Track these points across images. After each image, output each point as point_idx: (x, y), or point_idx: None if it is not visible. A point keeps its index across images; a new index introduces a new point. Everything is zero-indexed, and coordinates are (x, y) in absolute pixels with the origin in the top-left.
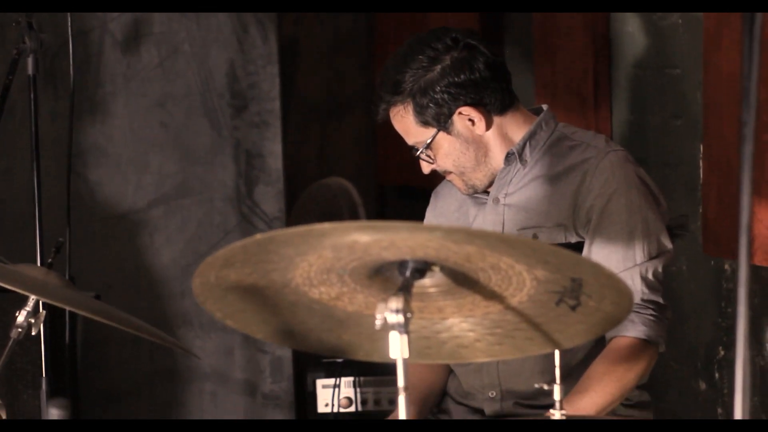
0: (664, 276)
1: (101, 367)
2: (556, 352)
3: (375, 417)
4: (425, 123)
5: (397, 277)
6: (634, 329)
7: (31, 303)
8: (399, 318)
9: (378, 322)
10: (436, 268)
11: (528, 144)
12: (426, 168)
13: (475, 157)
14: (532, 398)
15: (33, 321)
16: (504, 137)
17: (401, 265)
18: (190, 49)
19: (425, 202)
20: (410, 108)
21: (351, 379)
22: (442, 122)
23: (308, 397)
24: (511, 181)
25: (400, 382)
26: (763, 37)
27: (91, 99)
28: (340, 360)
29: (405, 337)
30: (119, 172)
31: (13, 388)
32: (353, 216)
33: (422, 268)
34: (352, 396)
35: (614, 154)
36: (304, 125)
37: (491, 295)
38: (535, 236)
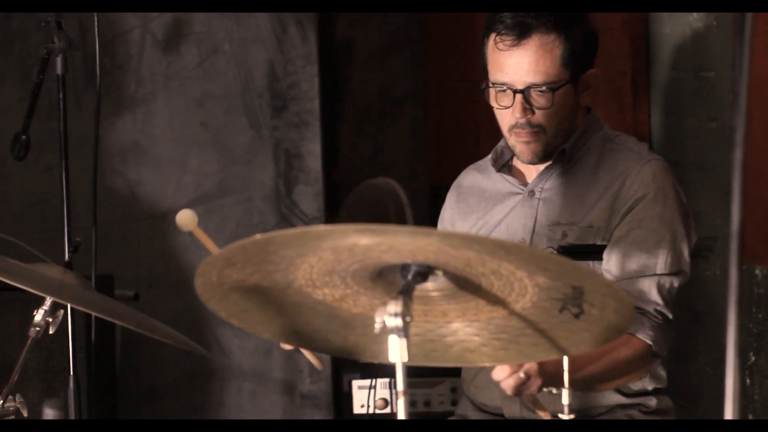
0: (677, 294)
1: (140, 366)
2: (564, 358)
3: (410, 419)
4: (566, 65)
5: (400, 280)
6: (643, 331)
7: (48, 302)
8: (398, 321)
9: (377, 326)
10: (439, 272)
11: (575, 143)
12: (517, 114)
13: (571, 123)
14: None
15: (51, 320)
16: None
17: (403, 268)
18: (230, 48)
19: None
20: (564, 43)
21: (387, 380)
22: (578, 72)
23: (344, 397)
24: (551, 175)
25: (400, 385)
26: None
27: (131, 98)
28: (376, 361)
29: (404, 341)
30: (159, 171)
31: (49, 386)
32: (399, 216)
33: (425, 272)
34: (388, 397)
35: (656, 162)
36: (358, 125)
37: (495, 301)
38: (564, 234)
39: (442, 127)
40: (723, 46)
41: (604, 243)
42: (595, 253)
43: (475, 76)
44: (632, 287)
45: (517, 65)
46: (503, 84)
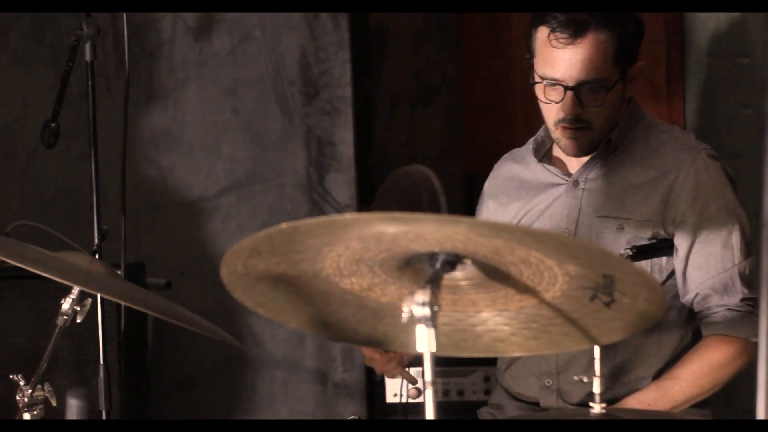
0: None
1: (172, 354)
2: (596, 348)
3: (444, 408)
4: (618, 62)
5: (428, 269)
6: (735, 329)
7: (76, 291)
8: (425, 311)
9: (405, 315)
10: (468, 261)
11: (620, 133)
12: (567, 110)
13: (618, 117)
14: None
15: (78, 309)
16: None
17: (431, 257)
18: (261, 35)
19: None
20: (617, 40)
21: (420, 369)
22: (627, 67)
23: (377, 387)
24: (596, 165)
25: (428, 375)
26: None
27: (163, 85)
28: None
29: (432, 331)
30: (191, 158)
31: (80, 375)
32: (433, 204)
33: (453, 261)
34: (421, 386)
35: (705, 152)
36: (391, 112)
37: (524, 290)
38: (620, 228)
39: (476, 113)
40: (758, 32)
41: (667, 237)
42: (667, 248)
43: (509, 63)
44: (717, 285)
45: (570, 62)
46: (554, 80)
